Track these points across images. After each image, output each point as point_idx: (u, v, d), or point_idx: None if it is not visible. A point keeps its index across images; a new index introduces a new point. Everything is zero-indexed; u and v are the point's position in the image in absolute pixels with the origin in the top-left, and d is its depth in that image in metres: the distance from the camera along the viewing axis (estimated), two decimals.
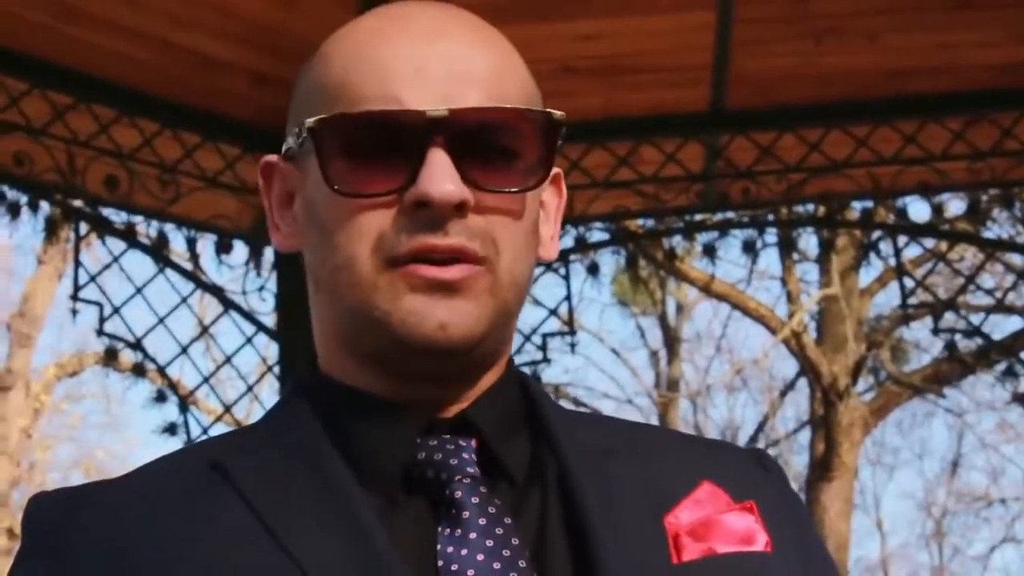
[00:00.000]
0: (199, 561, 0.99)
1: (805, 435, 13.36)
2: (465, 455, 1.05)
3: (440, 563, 0.99)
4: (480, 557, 0.99)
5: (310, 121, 1.05)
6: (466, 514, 1.01)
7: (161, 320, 4.40)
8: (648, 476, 1.09)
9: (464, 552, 0.99)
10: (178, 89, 4.07)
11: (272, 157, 1.15)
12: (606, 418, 1.25)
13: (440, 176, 1.01)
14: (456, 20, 1.10)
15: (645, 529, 1.04)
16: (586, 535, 1.02)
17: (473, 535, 1.00)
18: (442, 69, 1.05)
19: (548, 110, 1.08)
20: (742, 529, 1.06)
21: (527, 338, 4.49)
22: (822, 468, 11.90)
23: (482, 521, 1.01)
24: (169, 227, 4.38)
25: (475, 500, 1.02)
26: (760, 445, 13.57)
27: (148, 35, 3.90)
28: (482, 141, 1.04)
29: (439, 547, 1.00)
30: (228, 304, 4.47)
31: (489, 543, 1.00)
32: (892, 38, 4.01)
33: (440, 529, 1.01)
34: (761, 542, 1.06)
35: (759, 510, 1.08)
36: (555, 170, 1.12)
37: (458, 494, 1.03)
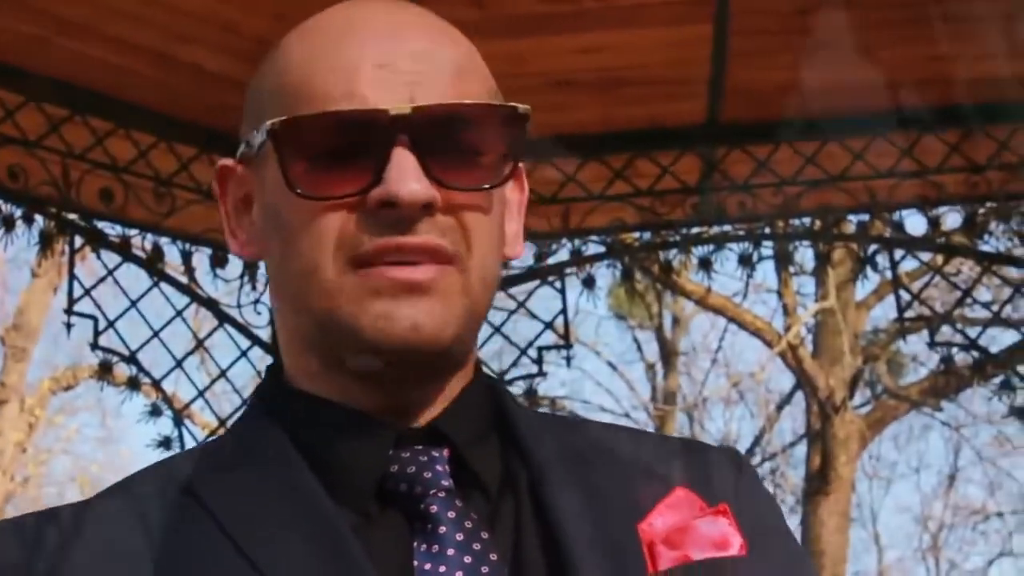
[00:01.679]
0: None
1: (802, 449, 13.35)
2: (438, 467, 1.03)
3: None
4: (459, 574, 0.97)
5: (269, 123, 1.03)
6: (443, 529, 0.99)
7: (156, 334, 4.38)
8: (621, 483, 1.06)
9: (442, 569, 0.97)
10: (173, 102, 4.07)
11: (227, 161, 1.12)
12: (576, 421, 1.21)
13: (406, 176, 0.98)
14: (417, 17, 1.08)
15: (620, 538, 1.02)
16: (562, 547, 1.00)
17: (451, 551, 0.98)
18: (405, 66, 1.02)
19: (513, 104, 1.06)
20: (716, 534, 1.04)
21: (523, 351, 4.49)
22: (819, 481, 11.89)
23: (459, 536, 0.99)
24: (164, 240, 4.38)
25: (451, 515, 1.00)
26: (757, 459, 13.56)
27: (143, 48, 3.90)
28: (447, 138, 1.02)
29: (416, 563, 0.98)
30: (223, 318, 4.46)
31: (467, 559, 0.98)
32: (888, 52, 4.01)
33: (416, 544, 0.99)
34: (735, 545, 1.04)
35: (733, 512, 1.06)
36: (520, 165, 1.10)
37: (433, 508, 1.00)
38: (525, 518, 1.02)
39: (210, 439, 1.15)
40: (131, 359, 4.33)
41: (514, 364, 4.52)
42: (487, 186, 1.04)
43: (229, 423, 4.57)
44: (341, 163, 1.01)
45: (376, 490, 1.02)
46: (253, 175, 1.08)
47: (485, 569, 0.98)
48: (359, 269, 1.00)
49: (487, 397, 1.10)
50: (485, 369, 1.14)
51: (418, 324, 0.99)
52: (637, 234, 4.68)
